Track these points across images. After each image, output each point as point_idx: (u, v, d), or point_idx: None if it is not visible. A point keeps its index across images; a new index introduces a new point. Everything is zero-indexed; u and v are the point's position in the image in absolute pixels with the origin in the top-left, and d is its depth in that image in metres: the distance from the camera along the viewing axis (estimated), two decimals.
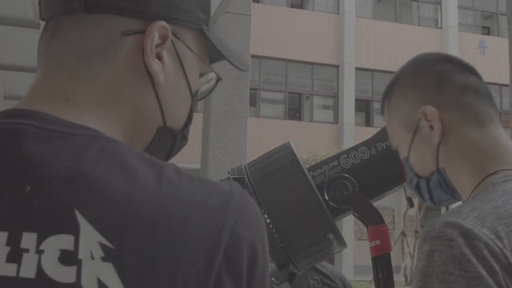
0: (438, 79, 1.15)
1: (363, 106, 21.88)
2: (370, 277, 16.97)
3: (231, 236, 0.61)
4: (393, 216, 22.63)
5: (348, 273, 19.22)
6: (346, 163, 1.41)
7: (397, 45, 21.48)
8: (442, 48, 21.64)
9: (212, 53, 0.81)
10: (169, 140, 0.79)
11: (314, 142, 19.43)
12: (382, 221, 1.37)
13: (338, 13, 21.38)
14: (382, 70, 21.38)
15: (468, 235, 0.88)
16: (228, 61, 0.81)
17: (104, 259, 0.56)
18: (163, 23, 0.72)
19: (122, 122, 0.72)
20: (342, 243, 1.38)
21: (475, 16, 23.90)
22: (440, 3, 22.80)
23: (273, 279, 1.36)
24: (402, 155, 1.22)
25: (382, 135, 1.42)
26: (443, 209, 20.22)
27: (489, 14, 24.07)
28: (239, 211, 0.63)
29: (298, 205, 1.35)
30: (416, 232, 16.34)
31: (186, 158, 17.35)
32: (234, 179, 1.36)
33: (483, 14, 24.13)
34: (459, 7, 22.66)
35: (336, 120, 20.96)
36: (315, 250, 1.36)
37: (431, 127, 1.12)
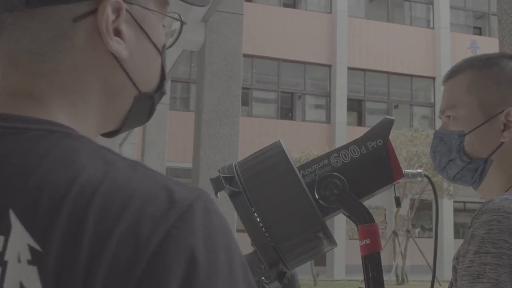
0: None
1: (355, 106, 21.93)
2: (361, 276, 16.92)
3: (160, 245, 0.56)
4: (385, 215, 22.71)
5: (340, 272, 19.27)
6: (337, 162, 1.42)
7: (390, 45, 21.54)
8: (434, 47, 21.74)
9: None
10: (148, 102, 0.77)
11: (306, 141, 19.46)
12: (372, 220, 1.37)
13: (330, 12, 21.42)
14: (374, 69, 21.46)
15: None
16: (184, 1, 0.77)
17: (30, 262, 0.54)
18: None
19: (93, 108, 0.70)
20: (332, 242, 1.38)
21: (466, 16, 24.00)
22: (432, 3, 22.88)
23: (263, 278, 1.36)
24: (458, 128, 1.26)
25: (373, 134, 1.42)
26: (434, 209, 20.31)
27: (481, 14, 24.18)
28: (180, 218, 0.58)
29: (288, 203, 1.35)
30: (408, 231, 16.40)
31: (178, 157, 17.37)
32: (224, 177, 1.36)
33: (474, 14, 24.24)
34: (451, 7, 22.75)
35: (328, 119, 21.00)
36: (305, 249, 1.37)
37: (505, 126, 1.21)
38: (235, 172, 1.37)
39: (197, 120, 6.03)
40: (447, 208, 20.06)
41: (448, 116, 1.29)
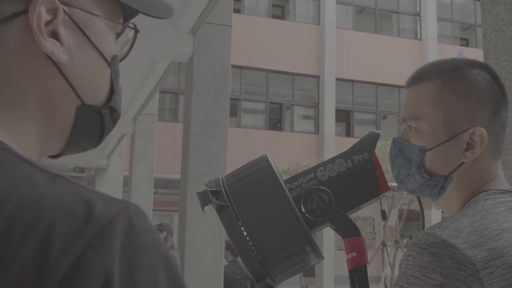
0: (495, 107, 1.19)
1: (343, 117, 22.00)
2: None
3: (71, 268, 0.49)
4: (374, 226, 22.73)
5: (328, 283, 19.24)
6: (323, 175, 1.42)
7: (378, 56, 21.66)
8: (422, 59, 21.87)
9: (125, 6, 0.72)
10: (95, 117, 0.70)
11: (295, 152, 19.47)
12: (358, 234, 1.38)
13: (319, 24, 21.51)
14: (363, 80, 21.55)
15: (439, 245, 1.00)
16: (142, 13, 0.72)
17: None
18: None
19: (30, 115, 0.64)
20: (319, 256, 1.38)
21: (453, 28, 24.20)
22: (419, 15, 23.06)
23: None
24: (421, 143, 1.21)
25: (359, 147, 1.43)
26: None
27: (468, 26, 24.39)
28: (97, 237, 0.51)
29: (275, 217, 1.35)
30: (396, 242, 16.41)
31: (166, 169, 17.32)
32: (211, 191, 1.36)
33: (461, 26, 24.44)
34: (438, 18, 22.94)
35: (317, 130, 21.04)
36: (292, 263, 1.37)
37: (468, 144, 1.17)
38: (222, 186, 1.37)
39: (186, 131, 6.02)
40: (435, 218, 20.12)
41: (410, 126, 1.24)
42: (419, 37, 22.88)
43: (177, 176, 6.90)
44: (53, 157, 0.73)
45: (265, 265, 1.34)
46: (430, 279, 0.98)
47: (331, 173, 1.41)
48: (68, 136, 0.69)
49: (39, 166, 0.58)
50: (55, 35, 0.64)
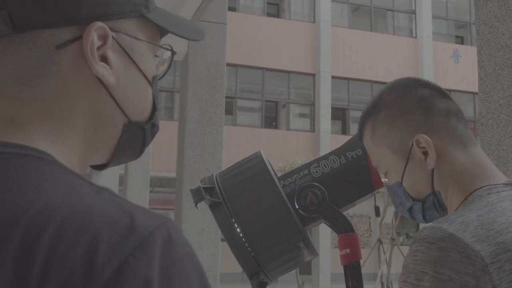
0: (423, 106, 1.21)
1: (339, 115, 22.01)
2: None
3: (115, 274, 0.54)
4: (370, 223, 22.76)
5: (325, 281, 19.27)
6: (316, 172, 1.42)
7: (373, 54, 21.68)
8: (417, 56, 21.91)
9: (163, 29, 0.79)
10: (139, 132, 0.77)
11: (291, 150, 19.48)
12: (352, 230, 1.38)
13: (314, 22, 21.52)
14: (358, 78, 21.56)
15: (448, 239, 0.98)
16: (178, 36, 0.78)
17: None
18: (98, 23, 0.69)
19: (79, 133, 0.70)
20: (313, 252, 1.38)
21: (448, 26, 24.23)
22: (414, 13, 23.08)
23: None
24: (393, 180, 1.25)
25: (352, 144, 1.43)
26: None
27: (463, 23, 24.42)
28: (140, 247, 0.55)
29: (268, 214, 1.35)
30: (392, 239, 16.43)
31: (162, 167, 17.31)
32: (205, 188, 1.36)
33: (456, 24, 24.48)
34: (433, 16, 22.97)
35: (313, 128, 21.05)
36: (286, 259, 1.37)
37: (424, 153, 1.18)
38: (216, 183, 1.37)
39: (181, 130, 6.02)
40: None
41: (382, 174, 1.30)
42: (414, 35, 22.91)
43: (173, 174, 6.89)
44: (97, 167, 0.79)
45: (259, 261, 1.34)
46: (440, 274, 0.96)
47: (324, 170, 1.41)
48: (114, 149, 0.75)
49: (85, 179, 0.63)
50: (104, 59, 0.70)
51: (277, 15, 21.92)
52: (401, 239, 22.17)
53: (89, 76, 0.69)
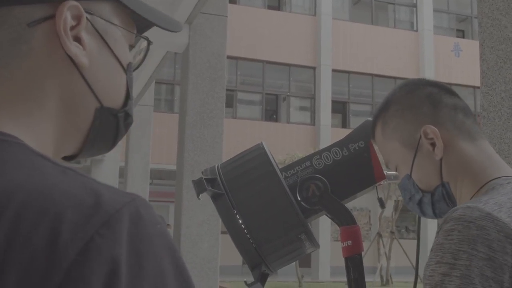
0: (431, 100, 1.25)
1: (339, 108, 22.00)
2: (346, 278, 17.03)
3: (80, 253, 0.51)
4: (369, 217, 22.80)
5: (324, 274, 19.31)
6: (319, 163, 1.42)
7: (374, 47, 21.65)
8: (418, 50, 21.88)
9: (139, 20, 0.77)
10: (112, 120, 0.74)
11: (291, 143, 19.49)
12: (354, 222, 1.37)
13: (315, 15, 21.48)
14: (359, 72, 21.54)
15: (486, 218, 0.98)
16: (156, 25, 0.77)
17: None
18: (71, 2, 0.67)
19: (50, 115, 0.68)
20: (315, 244, 1.38)
21: (450, 19, 24.19)
22: (416, 6, 23.04)
23: (245, 280, 1.35)
24: (403, 173, 1.28)
25: (355, 136, 1.43)
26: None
27: (464, 17, 24.38)
28: (105, 225, 0.53)
29: (270, 205, 1.35)
30: (392, 233, 16.48)
31: (162, 159, 17.31)
32: (207, 179, 1.36)
33: (457, 17, 24.43)
34: (435, 10, 22.92)
35: (313, 121, 21.05)
36: (288, 251, 1.37)
37: (432, 145, 1.21)
38: (217, 174, 1.37)
39: (181, 122, 6.01)
40: None
41: (392, 169, 1.33)
42: (415, 28, 22.86)
43: (173, 167, 6.90)
44: (67, 158, 0.76)
45: (260, 253, 1.34)
46: (479, 253, 0.96)
47: (326, 162, 1.41)
48: (85, 136, 0.73)
49: (51, 160, 0.61)
50: (77, 39, 0.69)
51: (278, 7, 21.87)
52: (400, 232, 22.21)
53: (61, 57, 0.68)
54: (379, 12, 23.09)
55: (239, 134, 18.72)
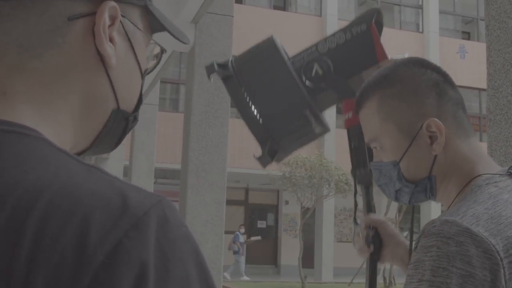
0: (437, 90, 1.20)
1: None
2: (349, 279, 17.08)
3: (108, 256, 0.51)
4: None
5: (327, 275, 19.30)
6: (323, 48, 1.50)
7: None
8: (423, 52, 21.84)
9: (153, 27, 0.78)
10: (122, 122, 0.75)
11: None
12: (355, 95, 1.47)
13: (320, 15, 21.46)
14: None
15: (464, 233, 0.97)
16: (170, 34, 0.78)
17: None
18: (112, 3, 0.68)
19: (72, 111, 0.68)
20: (321, 123, 1.46)
21: (455, 21, 24.14)
22: (421, 8, 23.00)
23: (254, 153, 1.48)
24: (389, 158, 1.22)
25: (358, 20, 1.53)
26: (422, 212, 20.41)
27: (470, 19, 24.32)
28: (134, 228, 0.53)
29: (276, 84, 1.44)
30: None
31: (167, 159, 17.33)
32: (218, 64, 1.45)
33: (463, 19, 24.38)
34: (440, 11, 22.88)
35: None
36: (294, 128, 1.46)
37: (430, 138, 1.17)
38: (229, 61, 1.48)
39: (186, 122, 6.02)
40: (434, 211, 20.15)
41: (375, 147, 1.26)
42: (421, 30, 22.83)
43: (177, 166, 6.90)
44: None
45: (267, 128, 1.42)
46: (459, 269, 0.94)
47: (331, 46, 1.48)
48: (96, 135, 0.73)
49: (75, 157, 0.60)
50: (110, 39, 0.69)
51: (283, 8, 21.86)
52: (404, 234, 22.18)
53: (92, 55, 0.68)
54: (384, 13, 22.80)
55: (244, 134, 18.70)
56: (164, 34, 0.81)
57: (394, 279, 17.11)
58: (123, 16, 0.71)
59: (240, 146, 17.93)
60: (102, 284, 0.50)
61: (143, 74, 0.77)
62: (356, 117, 1.36)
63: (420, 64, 1.24)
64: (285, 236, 21.50)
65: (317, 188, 16.17)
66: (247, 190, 22.29)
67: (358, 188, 1.49)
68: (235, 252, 19.06)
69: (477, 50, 21.36)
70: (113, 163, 14.18)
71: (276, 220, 22.21)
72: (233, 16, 6.20)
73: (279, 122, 1.42)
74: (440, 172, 1.18)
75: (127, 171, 10.98)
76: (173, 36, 0.79)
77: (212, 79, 1.47)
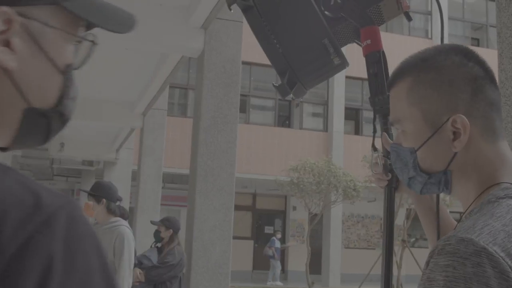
0: (474, 87, 1.14)
1: (352, 115, 21.95)
2: (356, 285, 17.00)
3: (20, 248, 0.58)
4: (381, 225, 22.65)
5: (335, 281, 19.24)
6: None
7: (388, 55, 21.44)
8: None
9: (88, 21, 0.79)
10: (41, 119, 0.77)
11: (304, 149, 19.46)
12: (372, 23, 1.47)
13: None
14: None
15: (481, 254, 0.93)
16: (99, 27, 0.79)
17: None
18: (2, 8, 0.69)
19: None
20: (340, 54, 1.48)
21: (465, 27, 24.08)
22: (430, 14, 22.96)
23: (273, 82, 1.51)
24: (409, 144, 1.19)
25: None
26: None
27: (479, 25, 24.25)
28: (45, 223, 0.60)
29: (295, 14, 1.45)
30: (403, 241, 16.38)
31: (175, 163, 17.35)
32: None
33: (473, 26, 24.31)
34: (450, 18, 22.82)
35: (326, 127, 21.01)
36: (313, 58, 1.48)
37: (454, 133, 1.13)
38: None
39: (195, 127, 6.03)
40: None
41: (397, 129, 1.23)
42: (430, 36, 22.78)
43: (185, 171, 6.91)
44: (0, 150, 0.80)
45: (287, 58, 1.45)
46: None
47: None
48: (15, 133, 0.76)
49: None
50: (7, 43, 0.70)
51: None
52: (412, 241, 22.09)
53: None
54: (393, 19, 22.99)
55: (252, 140, 18.72)
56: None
57: (402, 286, 17.03)
58: (26, 17, 0.71)
59: (248, 151, 17.91)
60: (13, 272, 0.57)
61: (66, 69, 0.77)
62: (374, 43, 1.37)
63: (463, 54, 1.18)
64: (292, 241, 21.46)
65: (325, 194, 16.13)
66: (254, 196, 22.28)
67: (377, 117, 1.52)
68: (270, 257, 19.19)
69: (486, 57, 21.02)
70: (121, 167, 14.21)
71: (284, 226, 22.19)
72: (242, 22, 6.20)
73: (299, 52, 1.45)
74: (459, 169, 1.14)
75: (135, 175, 10.99)
76: (102, 27, 0.79)
77: (232, 10, 1.52)
